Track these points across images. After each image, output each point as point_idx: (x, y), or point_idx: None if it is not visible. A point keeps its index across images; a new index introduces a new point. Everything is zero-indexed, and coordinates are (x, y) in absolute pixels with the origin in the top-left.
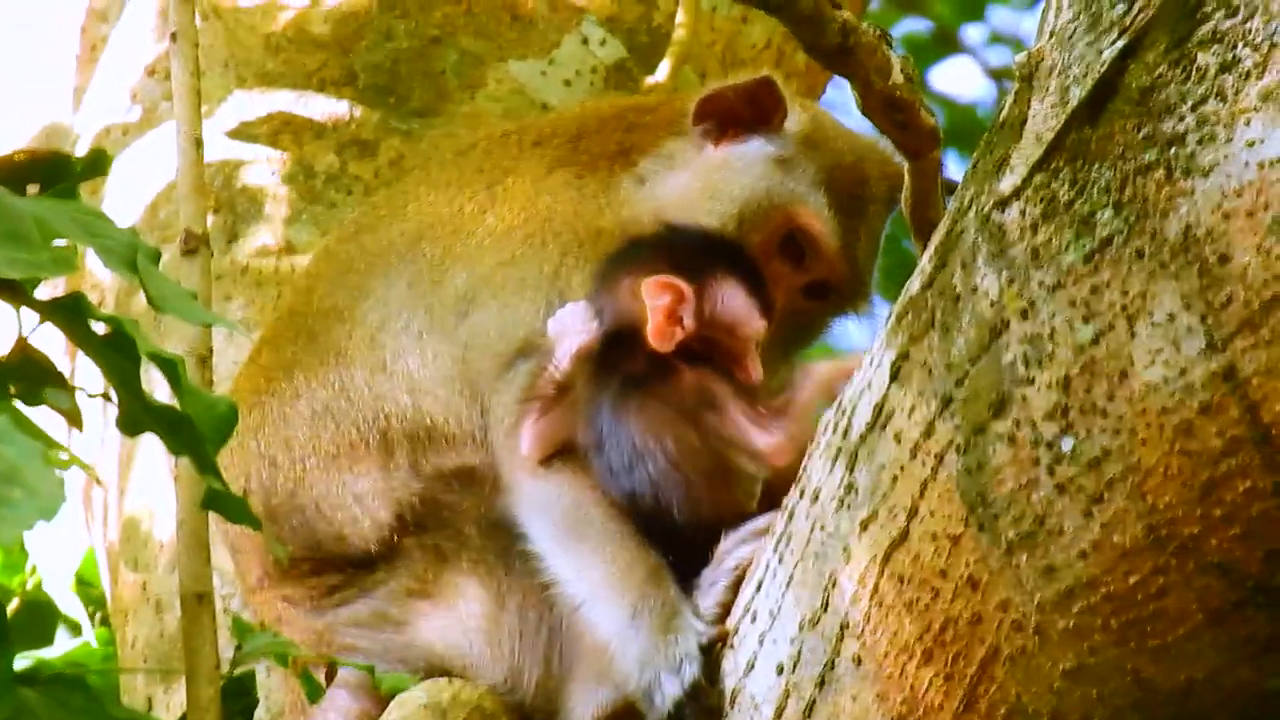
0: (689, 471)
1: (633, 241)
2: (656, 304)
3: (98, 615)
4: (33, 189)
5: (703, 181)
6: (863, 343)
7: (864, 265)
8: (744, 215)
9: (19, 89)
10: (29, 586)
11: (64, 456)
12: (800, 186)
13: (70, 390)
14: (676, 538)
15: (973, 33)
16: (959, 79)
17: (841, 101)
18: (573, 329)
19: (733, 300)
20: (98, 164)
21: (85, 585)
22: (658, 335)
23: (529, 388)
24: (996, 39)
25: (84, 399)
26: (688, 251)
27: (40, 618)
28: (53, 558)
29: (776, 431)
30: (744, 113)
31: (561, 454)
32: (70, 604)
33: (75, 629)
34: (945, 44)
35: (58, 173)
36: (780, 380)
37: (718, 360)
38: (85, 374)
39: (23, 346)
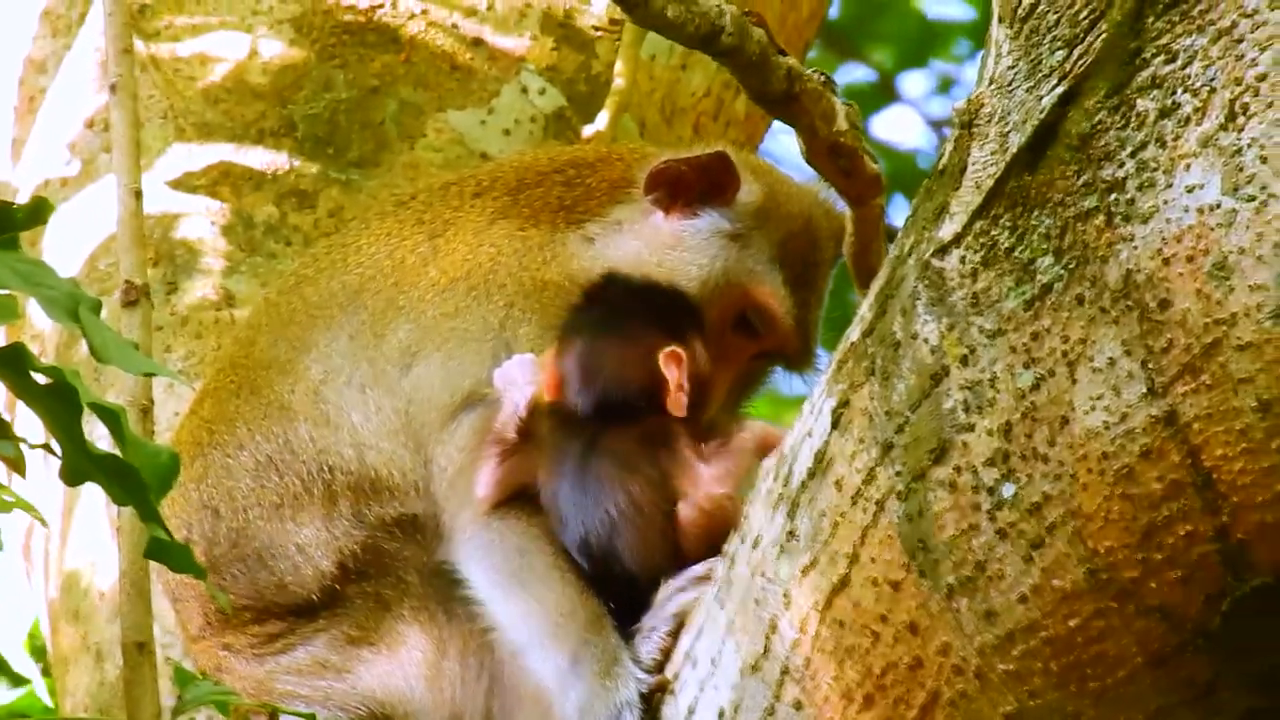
0: (646, 517)
1: (595, 302)
2: (672, 376)
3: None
4: None
5: (657, 256)
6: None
7: (812, 331)
8: (703, 295)
9: None
10: None
11: (9, 499)
12: (756, 264)
13: (13, 437)
14: (622, 583)
15: (914, 82)
16: (899, 127)
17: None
18: (521, 380)
19: (699, 354)
20: (39, 212)
21: (35, 639)
22: (675, 403)
23: (476, 436)
24: (944, 86)
25: (25, 450)
26: (661, 311)
27: None
28: (4, 611)
29: (718, 464)
30: (696, 185)
31: (509, 500)
32: (19, 657)
33: (19, 681)
34: (886, 92)
35: None
36: (719, 429)
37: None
38: (25, 424)
39: None
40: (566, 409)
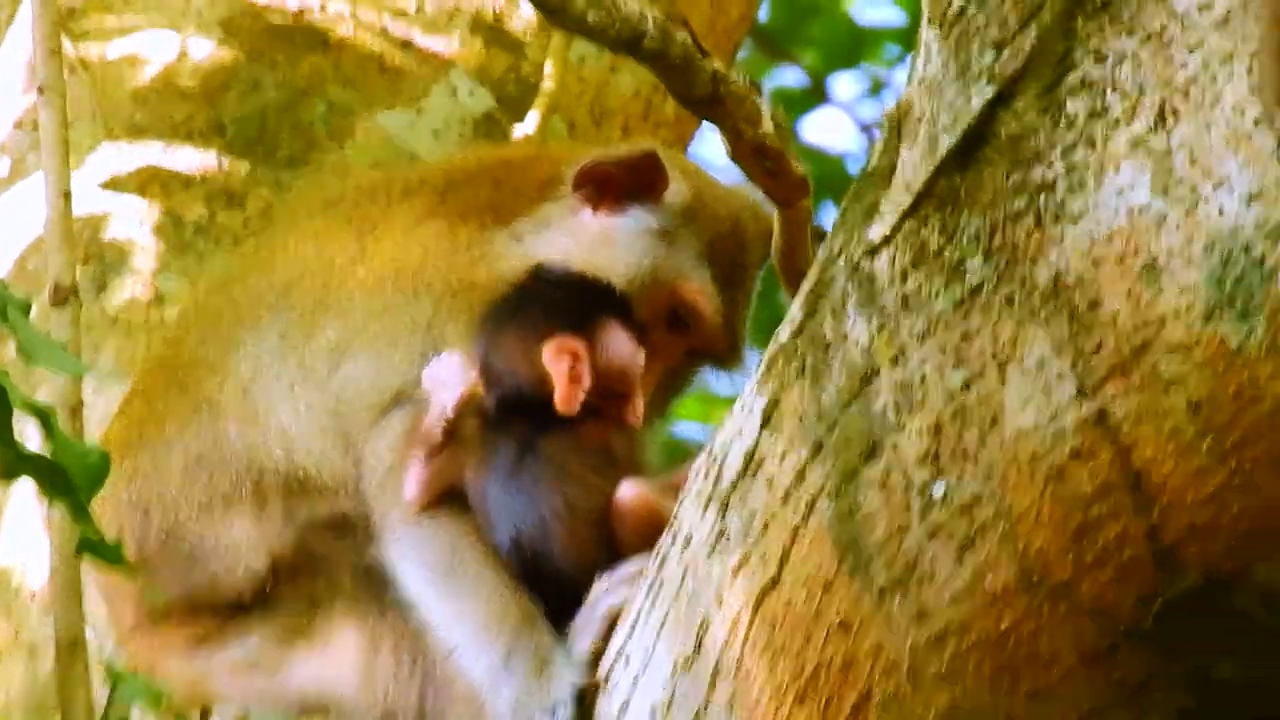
0: (580, 520)
1: (510, 294)
2: (560, 370)
3: None
4: None
5: (586, 252)
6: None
7: (741, 328)
8: (630, 292)
9: None
10: None
11: None
12: (684, 262)
13: None
14: (554, 582)
15: (844, 85)
16: (830, 130)
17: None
18: (450, 380)
19: (617, 344)
20: None
21: None
22: (565, 402)
23: (405, 435)
24: (874, 89)
25: None
26: (566, 300)
27: None
28: None
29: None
30: (625, 183)
31: (439, 499)
32: None
33: None
34: (816, 95)
35: None
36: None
37: (604, 404)
38: None
39: None
40: (502, 409)
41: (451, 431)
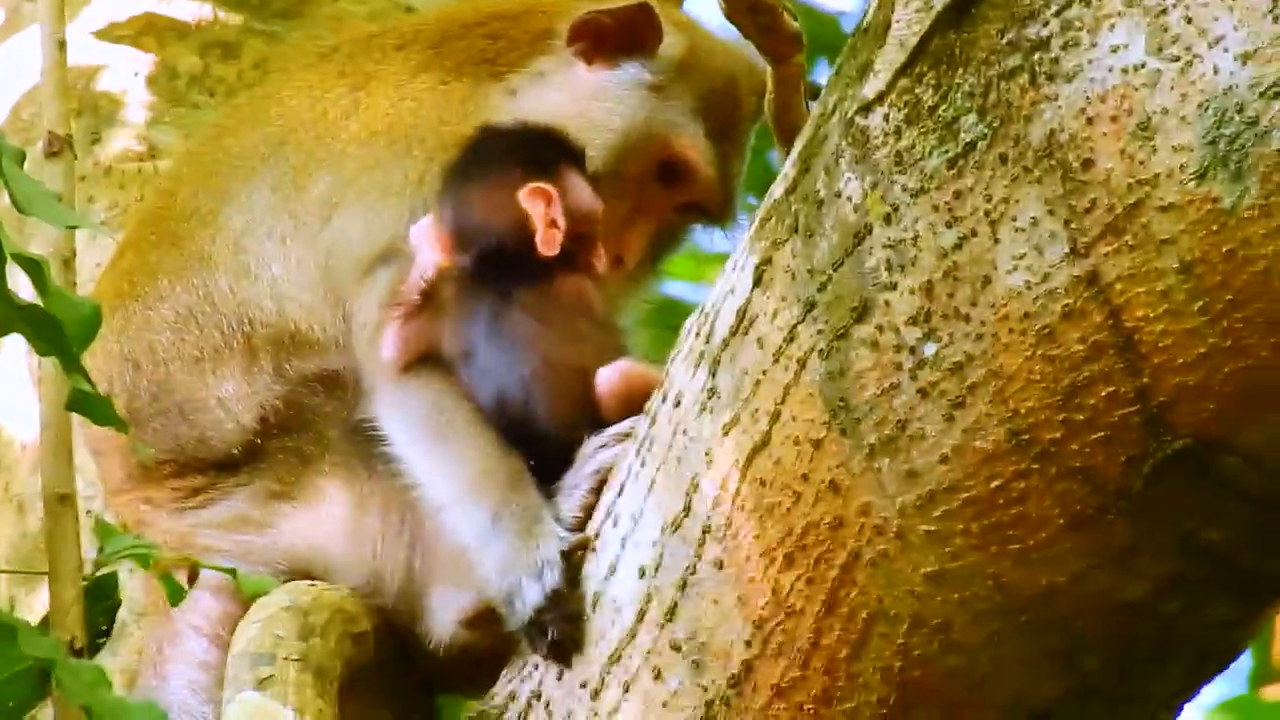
0: (560, 377)
1: (465, 152)
2: (537, 212)
3: None
4: None
5: (578, 108)
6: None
7: (735, 183)
8: (622, 145)
9: None
10: None
11: None
12: (676, 115)
13: None
14: (541, 443)
15: None
16: None
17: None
18: (427, 241)
19: (579, 189)
20: None
21: None
22: (546, 243)
23: (391, 293)
24: None
25: None
26: (528, 149)
27: None
28: None
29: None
30: (619, 37)
31: (424, 360)
32: None
33: None
34: None
35: None
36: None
37: (574, 251)
38: None
39: None
40: (470, 270)
41: (429, 294)
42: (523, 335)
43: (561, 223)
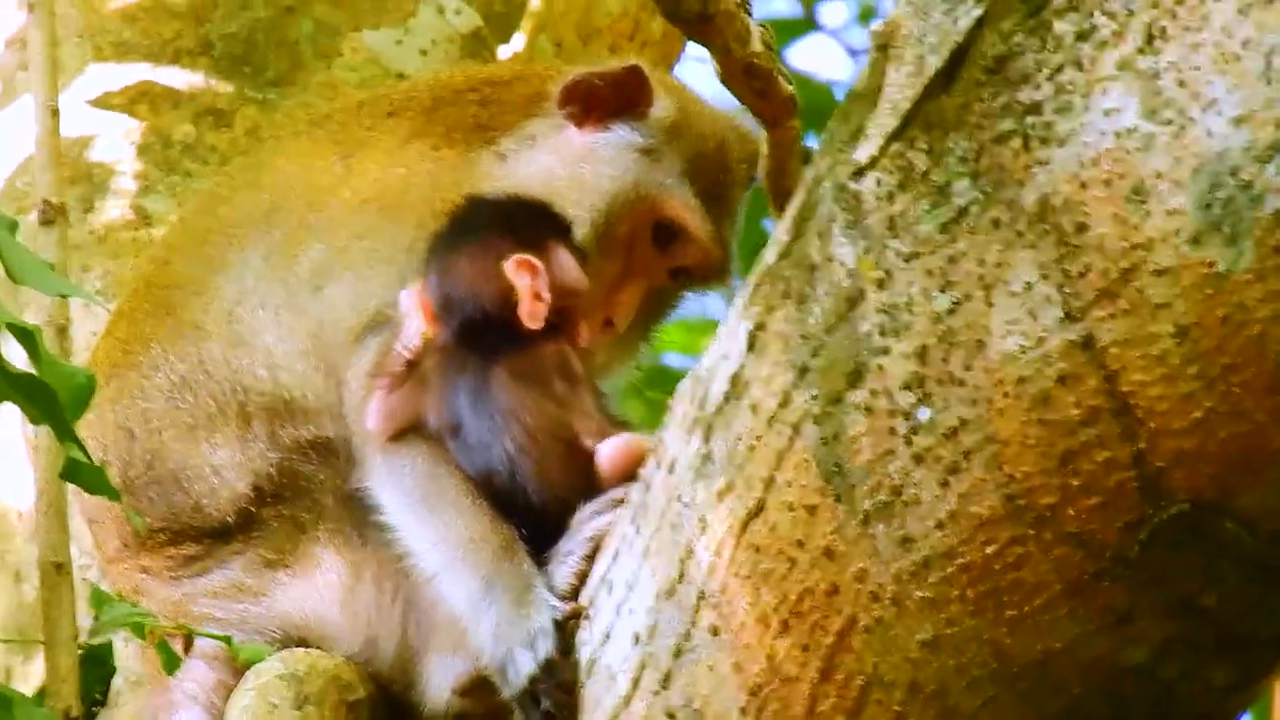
0: (547, 445)
1: (451, 224)
2: (523, 284)
3: None
4: None
5: (569, 170)
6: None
7: (728, 246)
8: (611, 207)
9: None
10: None
11: None
12: (667, 178)
13: None
14: (532, 511)
15: (833, 11)
16: (818, 58)
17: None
18: (413, 309)
19: (565, 264)
20: None
21: None
22: (531, 316)
23: (379, 361)
24: (864, 16)
25: None
26: (514, 221)
27: None
28: None
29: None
30: (610, 99)
31: (413, 429)
32: None
33: None
34: (806, 22)
35: None
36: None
37: (558, 324)
38: None
39: None
40: (452, 340)
41: (414, 364)
42: (506, 407)
43: (546, 296)
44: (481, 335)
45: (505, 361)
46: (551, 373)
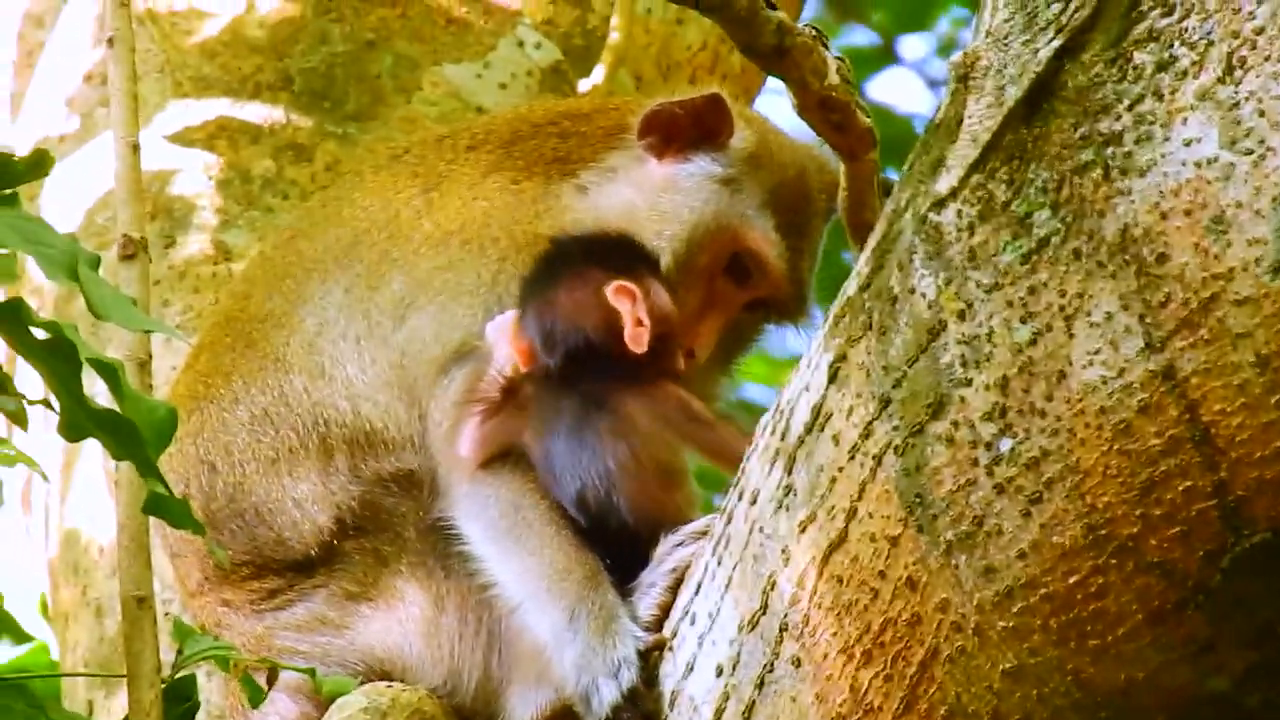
0: (641, 472)
1: (543, 258)
2: (624, 309)
3: None
4: None
5: (649, 201)
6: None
7: (806, 280)
8: (692, 238)
9: None
10: None
11: (10, 453)
12: (747, 208)
13: (14, 392)
14: (617, 540)
15: (913, 45)
16: (898, 91)
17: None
18: (505, 339)
19: (658, 291)
20: (40, 164)
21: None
22: (634, 338)
23: (466, 391)
24: (944, 49)
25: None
26: (605, 253)
27: None
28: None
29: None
30: (689, 129)
31: (500, 457)
32: (32, 615)
33: (24, 638)
34: (885, 55)
35: (0, 175)
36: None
37: (657, 351)
38: (24, 380)
39: None
40: (556, 369)
41: (509, 391)
42: (608, 432)
43: (647, 321)
44: (585, 364)
45: (609, 390)
46: (653, 402)
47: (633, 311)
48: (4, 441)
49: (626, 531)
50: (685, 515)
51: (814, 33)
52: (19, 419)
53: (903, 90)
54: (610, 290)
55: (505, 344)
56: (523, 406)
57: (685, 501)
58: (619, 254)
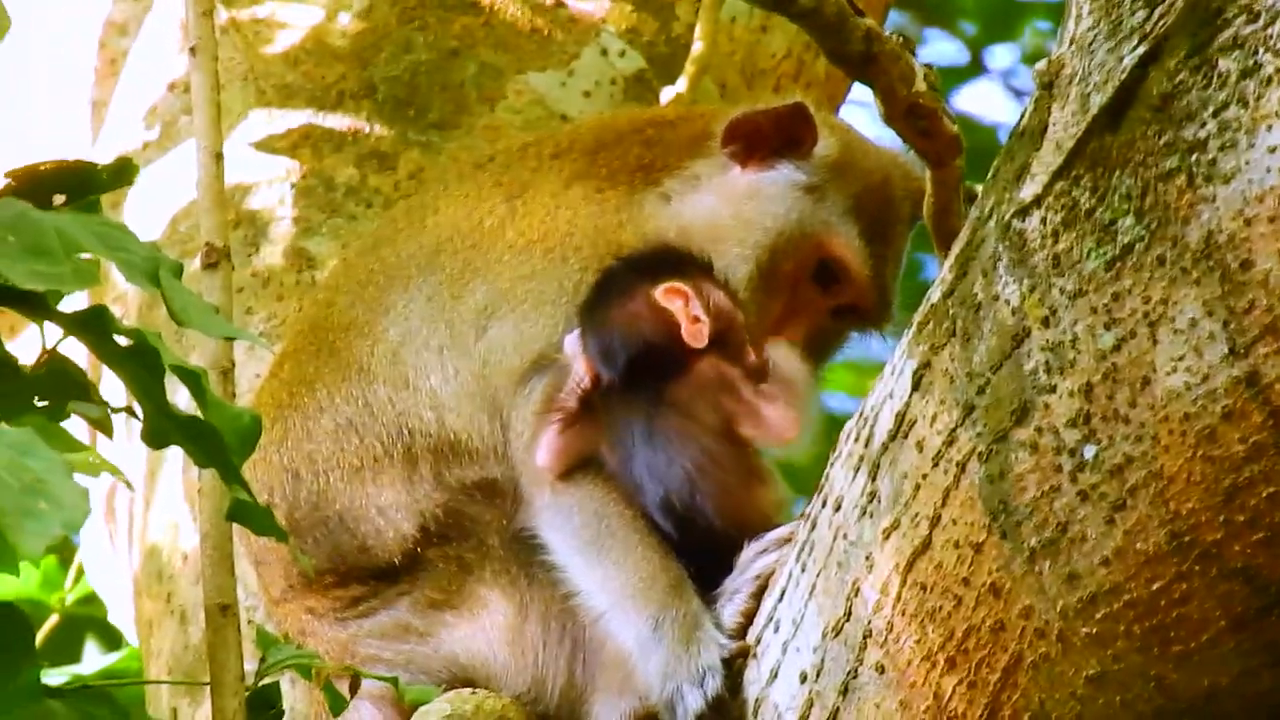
0: (719, 470)
1: (599, 283)
2: (676, 307)
3: None
4: (59, 200)
5: (733, 209)
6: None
7: (890, 286)
8: (776, 246)
9: (38, 104)
10: (68, 602)
11: (95, 462)
12: (831, 216)
13: (99, 400)
14: (705, 544)
15: (1000, 55)
16: (983, 101)
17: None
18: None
19: (713, 290)
20: (124, 173)
21: None
22: (692, 334)
23: (545, 402)
24: (1029, 59)
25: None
26: (652, 262)
27: (75, 635)
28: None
29: (777, 402)
30: (773, 137)
31: (582, 466)
32: (127, 622)
33: (116, 643)
34: (972, 66)
35: (84, 183)
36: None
37: (722, 353)
38: (108, 388)
39: (50, 358)
40: (621, 379)
41: (587, 401)
42: (681, 432)
43: (703, 317)
44: (650, 370)
45: (672, 387)
46: (715, 392)
47: (685, 309)
48: (90, 450)
49: (714, 532)
50: (770, 516)
51: (901, 39)
52: (104, 427)
53: (987, 101)
54: (660, 293)
55: (581, 356)
56: (597, 417)
57: (770, 501)
58: (666, 262)
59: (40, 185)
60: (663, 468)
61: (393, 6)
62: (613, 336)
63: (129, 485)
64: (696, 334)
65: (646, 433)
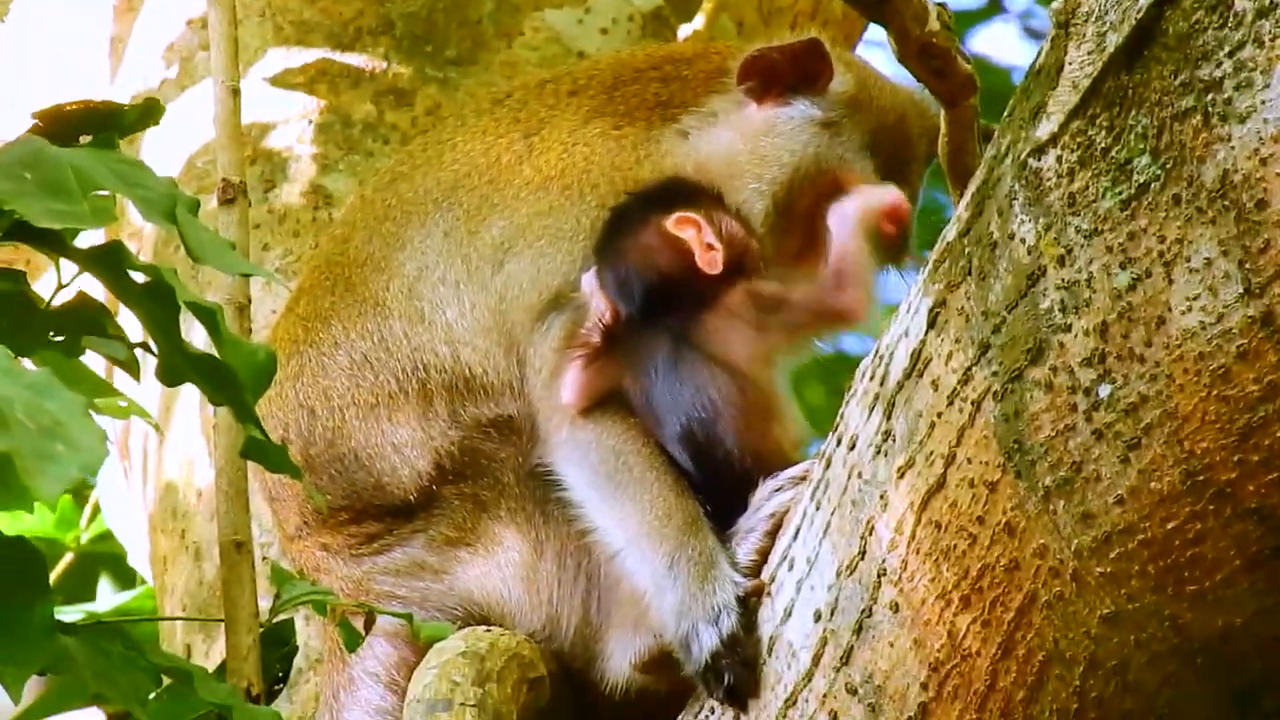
0: (742, 398)
1: (609, 222)
2: (689, 235)
3: None
4: (85, 139)
5: (749, 144)
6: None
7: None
8: (793, 180)
9: (56, 42)
10: (83, 541)
11: (123, 404)
12: (847, 152)
13: (125, 339)
14: (718, 482)
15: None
16: (1000, 43)
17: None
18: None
19: (724, 217)
20: (150, 113)
21: None
22: (707, 261)
23: (566, 338)
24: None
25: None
26: (660, 195)
27: (90, 573)
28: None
29: (845, 288)
30: (789, 74)
31: (601, 403)
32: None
33: (130, 582)
34: (990, 8)
35: (110, 123)
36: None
37: (741, 272)
38: (123, 325)
39: (70, 295)
40: (640, 313)
41: (610, 335)
42: (703, 362)
43: (716, 243)
44: (669, 300)
45: (696, 321)
46: (756, 310)
47: (698, 237)
48: (116, 393)
49: (732, 465)
50: (788, 454)
51: None
52: (130, 367)
53: (1004, 43)
54: (671, 223)
55: (599, 293)
56: (620, 350)
57: (788, 439)
58: (677, 193)
59: (66, 126)
60: (688, 396)
61: None
62: (628, 270)
63: (156, 427)
64: (711, 261)
65: (671, 362)
